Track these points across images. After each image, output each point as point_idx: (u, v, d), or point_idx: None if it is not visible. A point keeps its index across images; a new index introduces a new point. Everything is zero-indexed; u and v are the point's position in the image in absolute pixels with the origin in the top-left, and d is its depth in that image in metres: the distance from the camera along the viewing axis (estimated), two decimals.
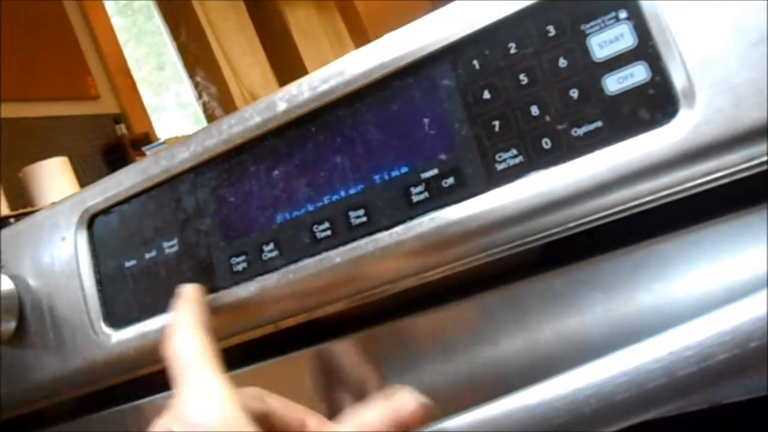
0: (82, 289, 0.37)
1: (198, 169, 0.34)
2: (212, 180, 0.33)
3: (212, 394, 0.25)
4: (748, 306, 0.24)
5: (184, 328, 0.28)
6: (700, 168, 0.25)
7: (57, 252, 0.38)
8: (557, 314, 0.29)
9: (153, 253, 0.35)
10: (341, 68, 0.30)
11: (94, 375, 0.37)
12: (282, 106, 0.31)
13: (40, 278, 0.39)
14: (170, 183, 0.34)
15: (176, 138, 1.89)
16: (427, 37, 0.29)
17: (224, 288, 0.33)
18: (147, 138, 2.05)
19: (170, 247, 0.34)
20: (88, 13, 2.27)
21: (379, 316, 0.33)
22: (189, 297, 0.30)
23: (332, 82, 0.30)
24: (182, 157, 0.34)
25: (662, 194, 0.26)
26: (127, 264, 0.36)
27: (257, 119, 0.32)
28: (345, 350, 0.34)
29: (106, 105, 2.27)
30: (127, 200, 0.36)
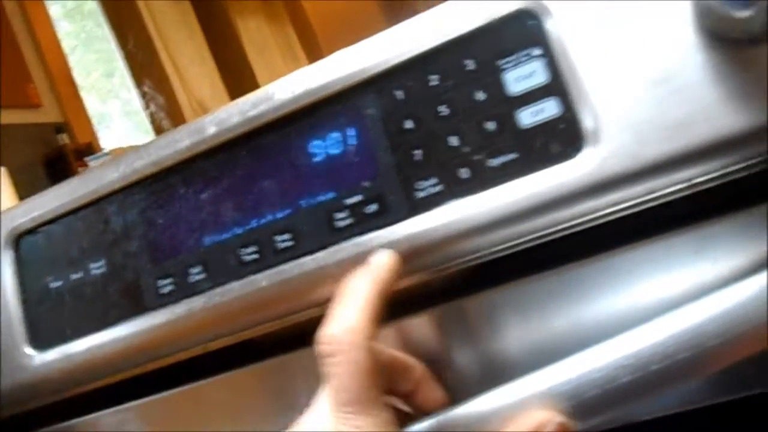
0: (7, 309, 0.34)
1: (126, 191, 0.32)
2: (141, 201, 0.31)
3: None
4: (649, 330, 0.25)
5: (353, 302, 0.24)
6: (607, 199, 0.25)
7: None
8: (475, 336, 0.29)
9: (80, 274, 0.33)
10: (270, 93, 0.29)
11: (18, 397, 0.34)
12: (211, 130, 0.30)
13: None
14: (98, 204, 0.32)
15: (120, 149, 1.79)
16: (354, 66, 0.28)
17: (151, 310, 0.31)
18: (90, 148, 1.92)
19: (97, 268, 0.32)
20: (30, 19, 2.07)
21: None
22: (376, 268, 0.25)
23: (261, 107, 0.29)
24: (111, 178, 0.32)
25: (573, 223, 0.26)
26: (53, 285, 0.33)
27: (186, 142, 0.30)
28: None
29: (48, 114, 2.06)
30: (55, 220, 0.33)
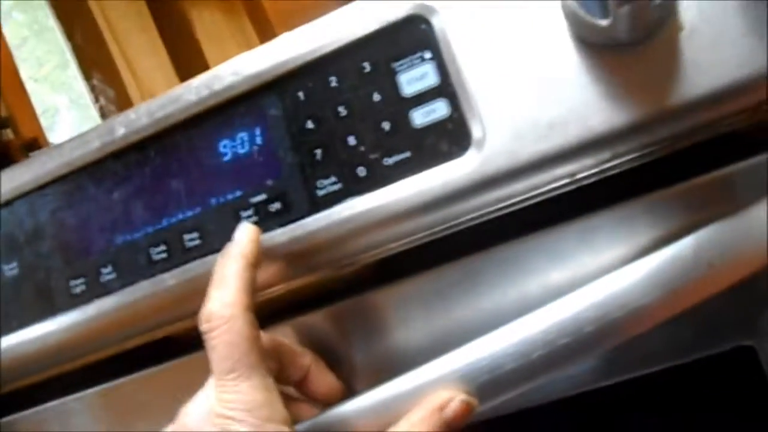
0: None
1: (38, 191, 0.31)
2: (52, 202, 0.31)
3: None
4: (532, 320, 0.26)
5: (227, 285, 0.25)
6: (493, 195, 0.26)
7: None
8: (382, 329, 0.29)
9: None
10: (178, 95, 0.29)
11: None
12: (121, 131, 0.30)
13: None
14: (10, 205, 0.32)
15: None
16: (257, 67, 0.28)
17: (63, 311, 0.31)
18: (36, 143, 1.86)
19: (10, 269, 0.32)
20: None
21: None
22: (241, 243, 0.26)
23: (169, 109, 0.29)
24: (23, 179, 0.32)
25: (465, 218, 0.27)
26: None
27: (97, 143, 0.30)
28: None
29: None
30: None
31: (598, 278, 0.25)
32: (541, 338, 0.25)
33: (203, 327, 0.24)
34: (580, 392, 0.29)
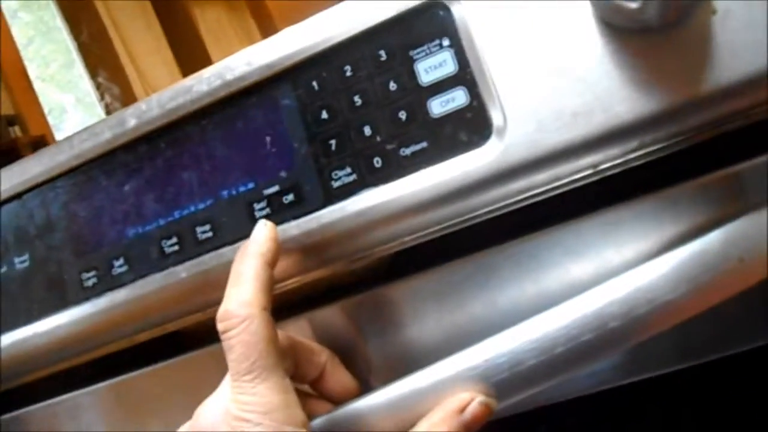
0: None
1: (49, 184, 0.31)
2: (63, 195, 0.31)
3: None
4: (554, 315, 0.25)
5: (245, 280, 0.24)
6: (514, 186, 0.25)
7: None
8: (396, 324, 0.28)
9: (4, 268, 0.32)
10: (189, 86, 0.28)
11: None
12: (132, 122, 0.29)
13: None
14: (21, 198, 0.31)
15: None
16: (269, 57, 0.27)
17: (75, 304, 0.30)
18: (44, 141, 1.87)
19: (21, 262, 0.31)
20: None
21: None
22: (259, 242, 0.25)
23: (180, 100, 0.28)
24: (34, 172, 0.31)
25: (484, 210, 0.26)
26: None
27: (108, 135, 0.30)
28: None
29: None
30: None
31: (621, 273, 0.24)
32: (563, 334, 0.24)
33: (220, 326, 0.24)
34: (600, 390, 0.28)
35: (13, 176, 0.32)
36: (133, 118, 0.29)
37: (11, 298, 0.31)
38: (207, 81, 0.28)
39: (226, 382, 0.24)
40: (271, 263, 0.25)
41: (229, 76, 0.28)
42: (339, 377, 0.27)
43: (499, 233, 0.27)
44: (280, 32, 0.27)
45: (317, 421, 0.26)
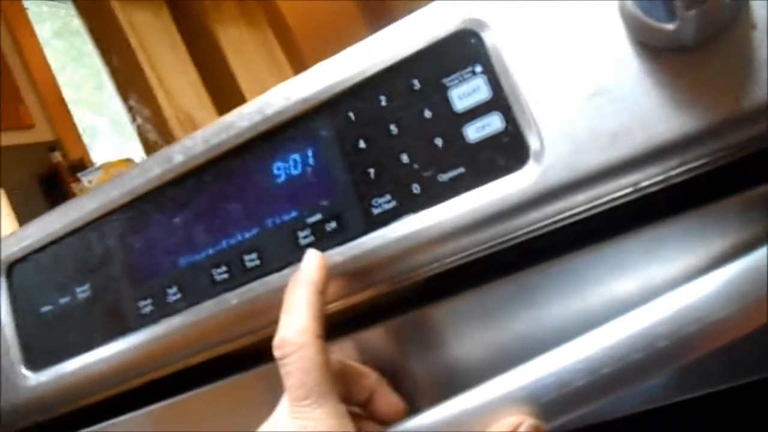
0: (2, 334, 0.35)
1: (105, 218, 0.32)
2: (118, 228, 0.32)
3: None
4: (601, 334, 0.24)
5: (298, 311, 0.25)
6: (552, 208, 0.25)
7: None
8: (439, 344, 0.29)
9: (67, 299, 0.33)
10: (231, 122, 0.29)
11: (16, 416, 0.35)
12: (179, 158, 0.30)
13: None
14: (80, 232, 0.33)
15: (110, 163, 1.80)
16: (306, 91, 0.28)
17: (133, 330, 0.31)
18: (82, 164, 1.93)
19: (83, 292, 0.33)
20: (19, 41, 2.07)
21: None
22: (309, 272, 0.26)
23: (223, 136, 0.29)
24: (90, 207, 0.33)
25: (522, 232, 0.26)
26: (44, 309, 0.34)
27: (157, 171, 0.31)
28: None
29: (41, 133, 2.04)
30: (42, 249, 0.34)
31: (667, 291, 0.24)
32: (610, 354, 0.24)
33: (277, 353, 0.25)
34: (649, 408, 0.27)
35: (71, 212, 0.33)
36: (180, 155, 0.30)
37: (75, 326, 0.33)
38: (248, 117, 0.29)
39: (283, 406, 0.25)
40: (322, 291, 0.25)
41: (269, 111, 0.28)
42: (387, 398, 0.27)
43: (540, 252, 0.27)
44: (315, 66, 0.28)
45: None
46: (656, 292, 0.24)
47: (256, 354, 0.33)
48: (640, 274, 0.26)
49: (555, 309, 0.27)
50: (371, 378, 0.28)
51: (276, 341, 0.25)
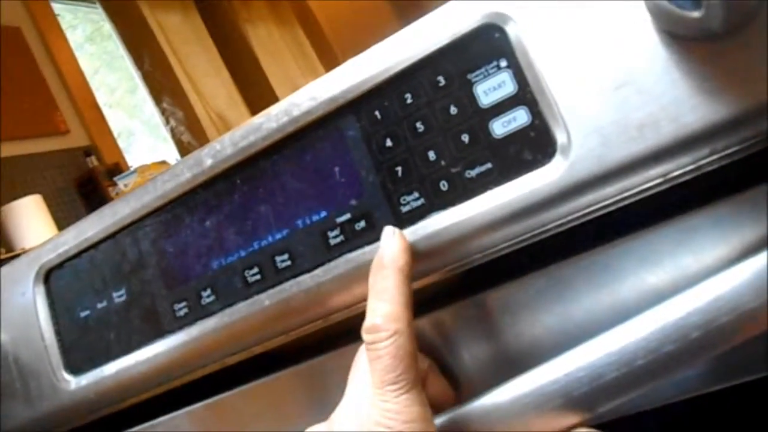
0: (43, 339, 0.36)
1: (138, 223, 0.33)
2: (151, 233, 0.33)
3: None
4: (633, 326, 0.25)
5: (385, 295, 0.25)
6: (581, 201, 0.25)
7: (18, 306, 0.37)
8: (472, 337, 0.29)
9: (104, 303, 0.35)
10: (259, 124, 0.30)
11: (58, 419, 0.36)
12: (208, 162, 0.31)
13: (6, 332, 0.38)
14: (114, 237, 0.34)
15: (145, 166, 1.83)
16: (332, 91, 0.28)
17: (170, 332, 0.32)
18: (118, 167, 1.97)
19: (119, 296, 0.34)
20: (51, 49, 2.13)
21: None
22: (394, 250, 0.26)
23: (251, 138, 0.30)
24: (123, 213, 0.34)
25: (552, 225, 0.26)
26: (82, 314, 0.35)
27: (187, 175, 0.32)
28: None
29: (76, 138, 2.10)
30: (78, 255, 0.35)
31: (700, 281, 0.24)
32: (643, 346, 0.24)
33: (368, 338, 0.25)
34: (685, 398, 0.27)
35: (104, 218, 0.34)
36: (209, 158, 0.31)
37: (113, 329, 0.34)
38: (275, 118, 0.29)
39: (362, 389, 0.26)
40: (410, 276, 0.26)
41: (296, 112, 0.29)
42: (438, 384, 0.28)
43: (570, 245, 0.27)
44: (341, 66, 0.28)
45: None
46: (689, 283, 0.24)
47: (294, 352, 0.34)
48: (672, 264, 0.26)
49: (586, 301, 0.27)
50: (425, 362, 0.28)
51: (368, 325, 0.25)
